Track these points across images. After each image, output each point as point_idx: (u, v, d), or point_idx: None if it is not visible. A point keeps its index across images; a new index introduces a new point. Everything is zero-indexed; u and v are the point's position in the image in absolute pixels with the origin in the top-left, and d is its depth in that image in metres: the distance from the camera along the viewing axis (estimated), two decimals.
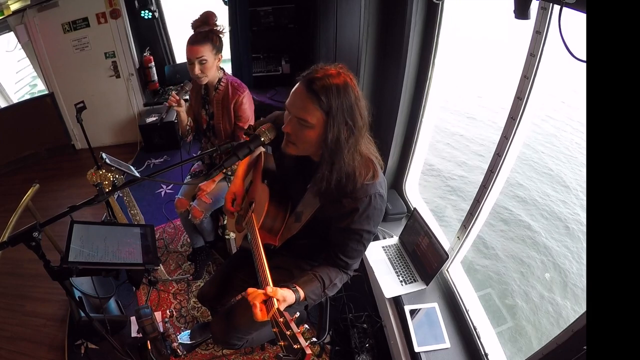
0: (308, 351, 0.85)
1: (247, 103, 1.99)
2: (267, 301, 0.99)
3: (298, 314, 0.95)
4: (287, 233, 1.28)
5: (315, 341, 0.88)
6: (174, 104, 1.90)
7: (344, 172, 1.07)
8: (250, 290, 1.02)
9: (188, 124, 2.11)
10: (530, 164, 5.75)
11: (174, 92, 1.93)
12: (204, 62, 1.82)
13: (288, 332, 0.88)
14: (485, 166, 1.52)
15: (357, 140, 1.07)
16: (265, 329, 1.46)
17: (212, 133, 2.12)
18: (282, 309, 0.98)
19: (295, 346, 0.85)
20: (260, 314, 0.97)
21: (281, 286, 1.08)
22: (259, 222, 1.27)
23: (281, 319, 0.91)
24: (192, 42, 1.80)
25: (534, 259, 4.29)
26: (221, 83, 1.98)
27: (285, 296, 1.04)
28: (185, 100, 2.05)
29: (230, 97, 1.97)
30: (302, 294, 1.11)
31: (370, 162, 1.12)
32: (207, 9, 1.88)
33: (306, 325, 0.90)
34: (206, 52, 1.81)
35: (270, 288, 1.00)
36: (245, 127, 1.97)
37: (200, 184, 2.12)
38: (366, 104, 1.07)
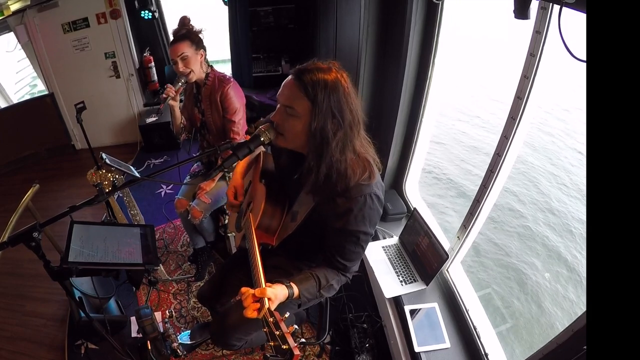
0: (296, 352, 0.85)
1: (233, 94, 2.01)
2: (259, 300, 0.99)
3: (288, 314, 0.95)
4: (284, 232, 1.28)
5: (304, 342, 0.88)
6: (171, 94, 1.91)
7: (334, 168, 1.07)
8: (243, 289, 1.02)
9: (182, 122, 2.13)
10: (560, 188, 5.30)
11: (168, 85, 1.93)
12: (185, 57, 1.90)
13: (277, 332, 0.88)
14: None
15: (348, 136, 1.07)
16: None
17: (205, 130, 2.15)
18: (273, 307, 0.98)
19: (284, 346, 0.85)
20: (249, 313, 0.98)
21: (275, 282, 1.08)
22: (256, 221, 1.27)
23: (271, 319, 0.91)
24: (171, 44, 1.92)
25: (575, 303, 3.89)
26: (208, 78, 2.02)
27: (276, 293, 1.03)
28: (180, 100, 2.06)
29: (216, 90, 2.00)
30: (296, 290, 1.11)
31: (366, 162, 1.12)
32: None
33: (295, 326, 0.90)
34: (185, 48, 1.89)
35: (259, 289, 1.00)
36: (234, 120, 2.03)
37: (200, 184, 2.13)
38: (360, 103, 1.08)
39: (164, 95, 1.91)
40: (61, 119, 3.90)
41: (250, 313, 0.98)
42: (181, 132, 2.16)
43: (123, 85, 3.81)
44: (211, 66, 2.04)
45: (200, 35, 1.95)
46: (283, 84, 1.09)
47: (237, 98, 2.03)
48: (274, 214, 1.28)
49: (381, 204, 1.15)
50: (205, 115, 2.09)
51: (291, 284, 1.11)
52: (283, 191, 1.32)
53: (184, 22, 1.95)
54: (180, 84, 1.96)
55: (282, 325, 0.89)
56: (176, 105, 2.01)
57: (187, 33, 1.91)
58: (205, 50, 1.97)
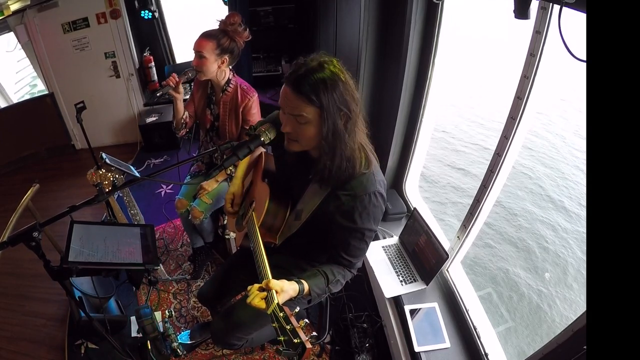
0: (308, 345, 0.86)
1: (256, 107, 1.99)
2: (267, 295, 1.00)
3: (298, 308, 0.96)
4: (287, 231, 1.28)
5: (315, 335, 0.89)
6: (171, 84, 1.84)
7: (345, 157, 1.08)
8: (250, 287, 1.04)
9: (184, 117, 2.05)
10: None
11: (174, 74, 1.87)
12: (202, 57, 1.82)
13: (288, 327, 0.89)
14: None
15: (356, 123, 1.08)
16: (266, 328, 1.46)
17: (215, 134, 2.11)
18: (281, 300, 0.99)
19: (295, 340, 0.86)
20: (256, 301, 1.00)
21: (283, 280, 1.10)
22: (259, 220, 1.27)
23: (281, 314, 0.92)
24: (200, 35, 1.83)
25: None
26: (230, 85, 1.97)
27: (283, 286, 1.05)
28: (184, 100, 2.04)
29: (239, 101, 1.96)
30: (306, 286, 1.13)
31: (361, 147, 1.14)
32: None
33: (306, 320, 0.91)
34: (206, 48, 1.80)
35: (265, 281, 1.02)
36: None
37: (202, 183, 2.12)
38: (355, 83, 1.07)
39: (164, 83, 1.85)
40: (61, 118, 3.90)
41: (258, 301, 0.99)
42: (181, 128, 2.08)
43: (123, 85, 3.81)
44: (232, 71, 1.97)
45: (233, 43, 1.85)
46: (282, 94, 1.07)
47: (258, 110, 2.01)
48: (277, 213, 1.28)
49: (384, 201, 1.16)
50: (219, 121, 2.04)
51: (301, 280, 1.13)
52: (286, 190, 1.32)
53: (226, 21, 1.82)
54: (186, 77, 1.89)
55: (293, 320, 0.90)
56: (179, 97, 1.92)
57: (220, 33, 1.81)
58: (231, 56, 1.89)
